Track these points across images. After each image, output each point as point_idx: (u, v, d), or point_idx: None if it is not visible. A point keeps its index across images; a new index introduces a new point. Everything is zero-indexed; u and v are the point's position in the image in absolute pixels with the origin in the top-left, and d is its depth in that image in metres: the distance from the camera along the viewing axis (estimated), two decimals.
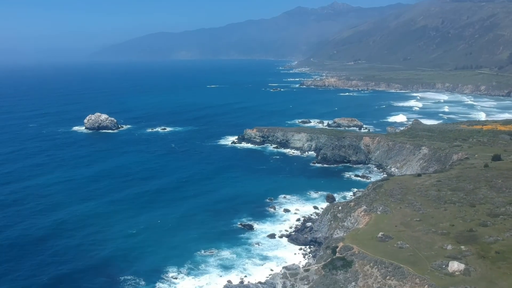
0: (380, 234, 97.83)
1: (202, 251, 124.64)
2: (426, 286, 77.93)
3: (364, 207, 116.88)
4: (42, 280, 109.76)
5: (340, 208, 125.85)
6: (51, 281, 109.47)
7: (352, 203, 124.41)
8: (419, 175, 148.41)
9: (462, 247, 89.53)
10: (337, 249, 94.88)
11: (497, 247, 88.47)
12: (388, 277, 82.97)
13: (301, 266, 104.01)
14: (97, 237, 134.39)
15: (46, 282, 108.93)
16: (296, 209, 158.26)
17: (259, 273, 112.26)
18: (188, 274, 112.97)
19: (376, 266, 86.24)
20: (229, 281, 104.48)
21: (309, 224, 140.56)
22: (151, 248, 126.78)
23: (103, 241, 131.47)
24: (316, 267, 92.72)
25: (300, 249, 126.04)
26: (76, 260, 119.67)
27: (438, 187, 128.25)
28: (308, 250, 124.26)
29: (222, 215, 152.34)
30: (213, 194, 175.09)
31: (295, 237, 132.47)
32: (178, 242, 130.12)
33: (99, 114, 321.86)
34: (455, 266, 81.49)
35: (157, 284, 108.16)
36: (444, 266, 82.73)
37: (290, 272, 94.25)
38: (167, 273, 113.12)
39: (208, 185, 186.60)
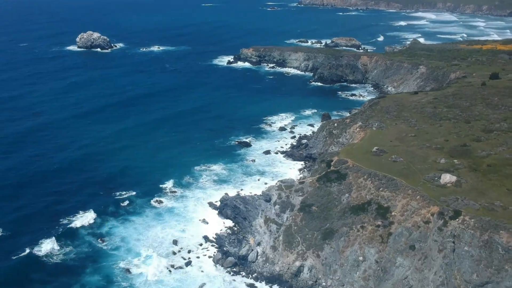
0: (374, 149, 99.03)
1: (199, 167, 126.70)
2: (418, 196, 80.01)
3: (360, 123, 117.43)
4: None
5: (335, 124, 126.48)
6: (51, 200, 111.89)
7: (347, 120, 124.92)
8: (415, 92, 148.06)
9: (455, 160, 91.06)
10: (332, 163, 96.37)
11: (489, 161, 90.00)
12: (381, 189, 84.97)
13: (296, 180, 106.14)
14: (90, 151, 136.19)
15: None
16: (291, 127, 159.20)
17: (255, 187, 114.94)
18: (185, 187, 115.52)
19: (369, 179, 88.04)
20: (226, 194, 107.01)
21: (304, 141, 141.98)
22: (148, 164, 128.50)
23: (98, 156, 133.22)
24: (311, 180, 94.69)
25: (295, 164, 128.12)
26: (75, 175, 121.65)
27: (434, 104, 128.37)
28: (303, 165, 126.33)
29: (219, 132, 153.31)
30: (209, 113, 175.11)
31: (290, 153, 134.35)
32: (174, 159, 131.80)
33: (91, 32, 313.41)
34: (447, 178, 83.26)
35: (155, 197, 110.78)
36: (436, 178, 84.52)
37: (285, 184, 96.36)
38: (165, 187, 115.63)
39: (203, 104, 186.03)
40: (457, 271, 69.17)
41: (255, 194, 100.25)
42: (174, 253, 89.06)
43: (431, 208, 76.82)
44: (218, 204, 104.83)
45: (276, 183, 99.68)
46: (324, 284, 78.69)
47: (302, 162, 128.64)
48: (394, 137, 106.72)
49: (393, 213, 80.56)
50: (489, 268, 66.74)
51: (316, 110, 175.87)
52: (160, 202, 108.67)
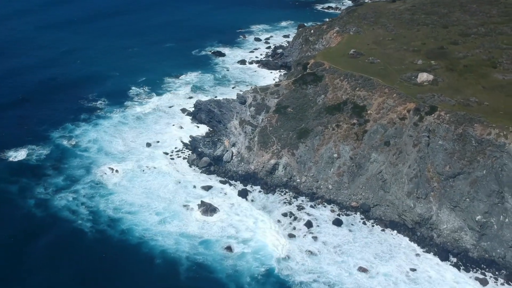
0: (351, 51, 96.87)
1: (173, 75, 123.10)
2: (395, 95, 79.35)
3: (337, 28, 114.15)
4: None
5: (312, 31, 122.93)
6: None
7: (324, 26, 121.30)
8: (393, 0, 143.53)
9: (432, 62, 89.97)
10: (308, 65, 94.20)
11: (466, 62, 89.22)
12: (357, 89, 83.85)
13: (272, 83, 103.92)
14: (63, 59, 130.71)
15: None
16: (267, 38, 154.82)
17: (230, 94, 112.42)
18: (159, 94, 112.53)
19: (346, 79, 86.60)
20: (198, 100, 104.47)
21: (280, 50, 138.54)
22: (120, 71, 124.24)
23: (70, 64, 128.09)
24: (287, 83, 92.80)
25: (271, 73, 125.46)
26: (46, 82, 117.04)
27: (412, 12, 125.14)
28: (279, 74, 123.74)
29: (193, 42, 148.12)
30: (183, 24, 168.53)
31: (265, 62, 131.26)
32: (147, 67, 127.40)
33: None
34: (424, 76, 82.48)
35: (127, 103, 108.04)
36: (413, 77, 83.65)
37: (261, 87, 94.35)
38: (137, 94, 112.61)
39: (177, 16, 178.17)
40: (431, 164, 70.08)
41: (230, 98, 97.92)
42: (148, 156, 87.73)
43: (407, 105, 76.47)
44: (192, 110, 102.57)
45: (252, 87, 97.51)
46: (298, 180, 79.12)
47: (278, 71, 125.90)
48: (371, 41, 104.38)
49: (369, 112, 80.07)
50: (462, 160, 67.69)
51: (292, 22, 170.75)
52: (133, 108, 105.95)
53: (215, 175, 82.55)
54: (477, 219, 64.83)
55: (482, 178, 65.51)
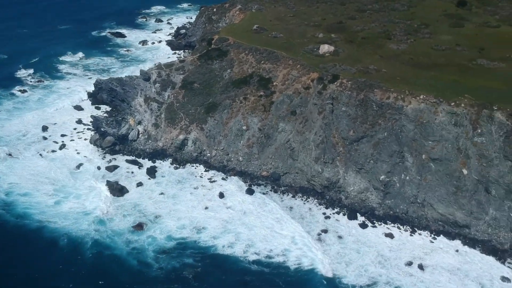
0: (255, 27, 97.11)
1: (70, 56, 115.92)
2: (299, 66, 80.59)
3: (239, 6, 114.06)
4: None
5: (214, 10, 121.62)
6: None
7: (227, 4, 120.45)
8: None
9: (332, 35, 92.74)
10: (213, 41, 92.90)
11: (363, 34, 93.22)
12: (262, 62, 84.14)
13: (176, 59, 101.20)
14: None
15: None
16: (169, 19, 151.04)
17: (133, 73, 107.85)
18: (55, 77, 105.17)
19: (251, 53, 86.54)
20: (98, 79, 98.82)
21: (183, 31, 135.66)
22: (9, 53, 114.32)
23: None
24: (192, 58, 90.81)
25: (175, 53, 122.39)
26: None
27: None
28: (183, 53, 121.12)
29: (90, 25, 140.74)
30: (76, 4, 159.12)
31: (169, 43, 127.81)
32: (40, 49, 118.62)
33: None
34: (325, 48, 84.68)
35: (18, 86, 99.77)
36: (315, 49, 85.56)
37: (165, 63, 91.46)
38: (29, 76, 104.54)
39: None
40: (335, 130, 72.16)
41: (133, 75, 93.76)
42: (45, 138, 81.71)
43: (311, 75, 77.95)
44: (92, 90, 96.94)
45: (155, 64, 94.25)
46: (209, 154, 77.91)
47: (182, 51, 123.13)
48: (273, 18, 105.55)
49: (274, 83, 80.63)
50: (365, 124, 70.41)
51: (194, 4, 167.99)
52: (24, 91, 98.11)
53: (121, 154, 78.75)
54: (381, 179, 67.94)
55: (383, 140, 68.70)
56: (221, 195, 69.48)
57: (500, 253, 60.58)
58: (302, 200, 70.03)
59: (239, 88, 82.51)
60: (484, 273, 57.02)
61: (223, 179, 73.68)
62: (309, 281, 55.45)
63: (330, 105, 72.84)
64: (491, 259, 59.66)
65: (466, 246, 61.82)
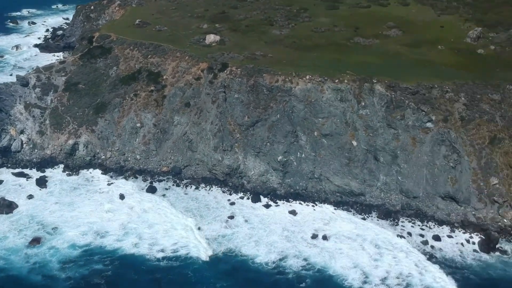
0: (137, 21, 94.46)
1: None
2: (187, 57, 79.86)
3: (118, 2, 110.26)
4: None
5: (92, 7, 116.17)
6: None
7: (105, 1, 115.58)
8: None
9: (217, 25, 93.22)
10: (94, 39, 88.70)
11: (246, 23, 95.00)
12: (149, 56, 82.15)
13: (56, 61, 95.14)
14: None
15: None
16: (43, 21, 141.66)
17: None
18: None
19: (136, 48, 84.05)
20: None
21: (60, 32, 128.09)
22: None
23: None
24: (73, 58, 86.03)
25: (54, 55, 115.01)
26: None
27: None
28: (62, 55, 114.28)
29: None
30: None
31: (45, 46, 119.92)
32: None
33: None
34: (211, 38, 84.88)
35: None
36: (201, 40, 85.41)
37: (44, 66, 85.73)
38: None
39: None
40: (231, 117, 72.81)
41: (9, 82, 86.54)
42: None
43: (200, 65, 77.70)
44: None
45: (34, 68, 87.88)
46: (103, 157, 74.63)
47: (61, 53, 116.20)
48: (155, 11, 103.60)
49: (164, 77, 79.22)
50: (258, 108, 71.87)
51: (67, 5, 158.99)
52: None
53: (5, 167, 72.55)
54: (278, 160, 69.92)
55: (277, 122, 70.70)
56: (122, 197, 66.94)
57: (393, 214, 65.51)
58: (206, 190, 69.85)
59: (128, 85, 79.84)
60: (380, 235, 61.20)
61: (121, 180, 71.03)
62: (216, 266, 55.72)
63: (222, 93, 73.28)
64: (385, 222, 64.18)
65: (363, 213, 65.87)
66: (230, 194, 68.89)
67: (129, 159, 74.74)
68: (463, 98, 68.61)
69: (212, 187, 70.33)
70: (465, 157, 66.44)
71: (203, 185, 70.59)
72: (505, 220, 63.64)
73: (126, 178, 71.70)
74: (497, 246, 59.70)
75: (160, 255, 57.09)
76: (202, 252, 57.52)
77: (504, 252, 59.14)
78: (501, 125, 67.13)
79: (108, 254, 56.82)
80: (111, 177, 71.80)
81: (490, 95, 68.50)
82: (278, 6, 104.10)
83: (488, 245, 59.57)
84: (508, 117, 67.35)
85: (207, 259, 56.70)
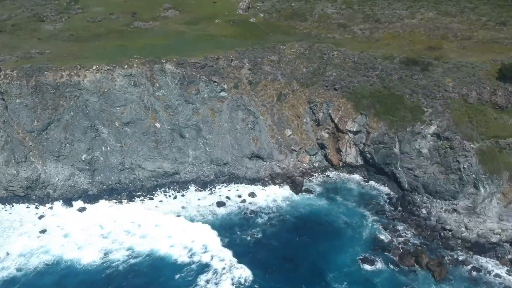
0: None
1: None
2: None
3: None
4: None
5: None
6: None
7: None
8: None
9: None
10: None
11: (12, 22, 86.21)
12: None
13: None
14: None
15: None
16: None
17: None
18: None
19: None
20: None
21: None
22: None
23: None
24: None
25: None
26: None
27: None
28: None
29: None
30: None
31: None
32: None
33: None
34: None
35: None
36: None
37: None
38: None
39: None
40: (17, 125, 65.61)
41: None
42: None
43: None
44: None
45: None
46: None
47: None
48: None
49: None
50: (47, 109, 66.13)
51: None
52: None
53: None
54: (83, 159, 65.87)
55: (72, 120, 66.22)
56: None
57: (209, 184, 67.80)
58: (6, 211, 62.10)
59: None
60: (202, 208, 63.04)
61: None
62: (42, 280, 51.13)
63: (1, 101, 65.33)
64: (204, 193, 66.10)
65: (181, 190, 66.64)
66: (37, 208, 62.63)
67: None
68: (247, 64, 73.62)
69: (13, 205, 62.88)
70: (260, 117, 71.89)
71: (1, 206, 62.55)
72: (304, 165, 71.27)
73: None
74: (303, 188, 66.54)
75: None
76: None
77: (309, 191, 66.28)
78: (284, 82, 74.11)
79: None
80: None
81: (269, 57, 74.82)
82: (44, 1, 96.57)
83: (295, 189, 66.08)
84: (287, 74, 74.57)
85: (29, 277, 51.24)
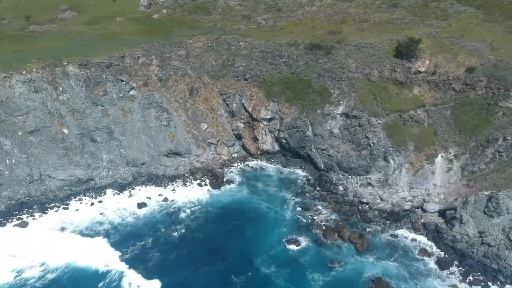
0: None
1: None
2: None
3: None
4: None
5: None
6: None
7: None
8: None
9: None
10: None
11: None
12: None
13: None
14: None
15: None
16: None
17: None
18: None
19: None
20: None
21: None
22: None
23: None
24: None
25: None
26: None
27: None
28: None
29: None
30: None
31: None
32: None
33: None
34: None
35: None
36: None
37: None
38: None
39: None
40: None
41: None
42: None
43: None
44: None
45: None
46: None
47: None
48: None
49: None
50: None
51: None
52: None
53: None
54: None
55: None
56: None
57: (128, 186, 65.70)
58: None
59: None
60: (122, 211, 61.02)
61: None
62: None
63: None
64: (123, 196, 63.99)
65: (98, 196, 63.99)
66: None
67: None
68: (155, 60, 72.17)
69: None
70: (174, 113, 70.84)
71: None
72: (223, 157, 71.31)
73: None
74: (224, 179, 66.58)
75: None
76: None
77: (230, 182, 66.45)
78: (194, 76, 73.58)
79: None
80: None
81: (177, 52, 73.90)
82: None
83: (217, 181, 65.93)
84: (197, 68, 74.07)
85: None
